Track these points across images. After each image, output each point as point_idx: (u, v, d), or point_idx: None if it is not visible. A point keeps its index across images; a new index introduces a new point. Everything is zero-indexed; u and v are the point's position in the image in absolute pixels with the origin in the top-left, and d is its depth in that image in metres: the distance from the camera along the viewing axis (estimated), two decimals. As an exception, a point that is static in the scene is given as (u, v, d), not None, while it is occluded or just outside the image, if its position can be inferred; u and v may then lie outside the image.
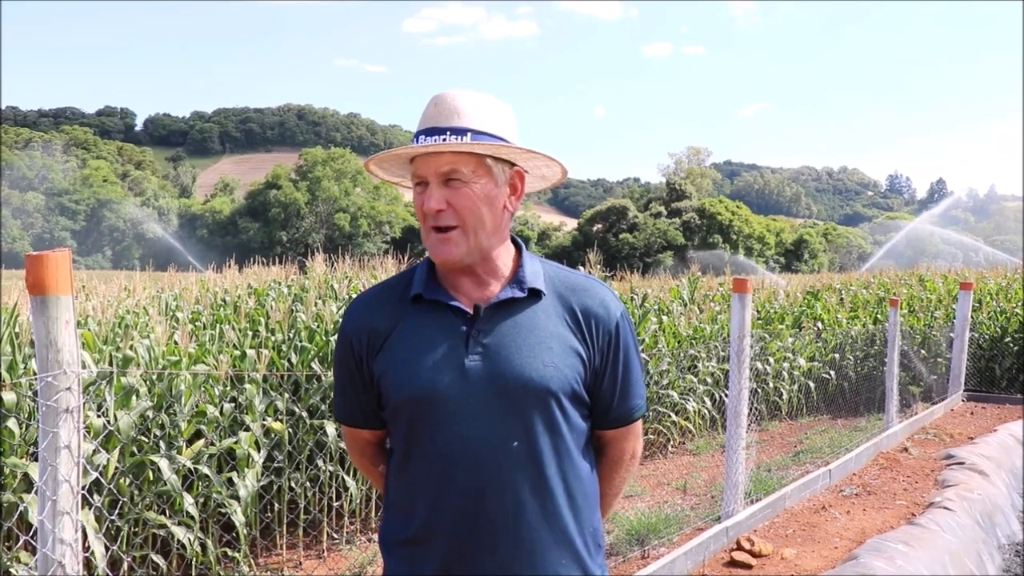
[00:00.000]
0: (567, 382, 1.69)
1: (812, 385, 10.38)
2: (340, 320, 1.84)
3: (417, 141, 1.69)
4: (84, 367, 4.04)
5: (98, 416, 4.22)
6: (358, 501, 5.55)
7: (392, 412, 1.73)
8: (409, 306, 1.74)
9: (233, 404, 4.97)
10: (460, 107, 1.70)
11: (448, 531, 1.66)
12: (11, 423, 3.99)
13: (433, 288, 1.73)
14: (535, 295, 1.73)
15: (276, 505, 5.17)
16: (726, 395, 6.25)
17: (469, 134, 1.68)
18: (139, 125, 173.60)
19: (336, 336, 5.58)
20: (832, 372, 10.71)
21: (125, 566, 4.31)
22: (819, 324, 11.06)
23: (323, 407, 5.34)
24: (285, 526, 5.20)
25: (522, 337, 1.69)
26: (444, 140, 1.66)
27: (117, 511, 4.30)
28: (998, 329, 11.59)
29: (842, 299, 12.62)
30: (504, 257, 1.75)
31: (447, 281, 1.74)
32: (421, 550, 1.69)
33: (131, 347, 4.78)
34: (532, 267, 1.76)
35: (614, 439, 1.85)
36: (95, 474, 3.94)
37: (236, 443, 4.80)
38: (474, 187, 1.68)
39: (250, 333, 5.83)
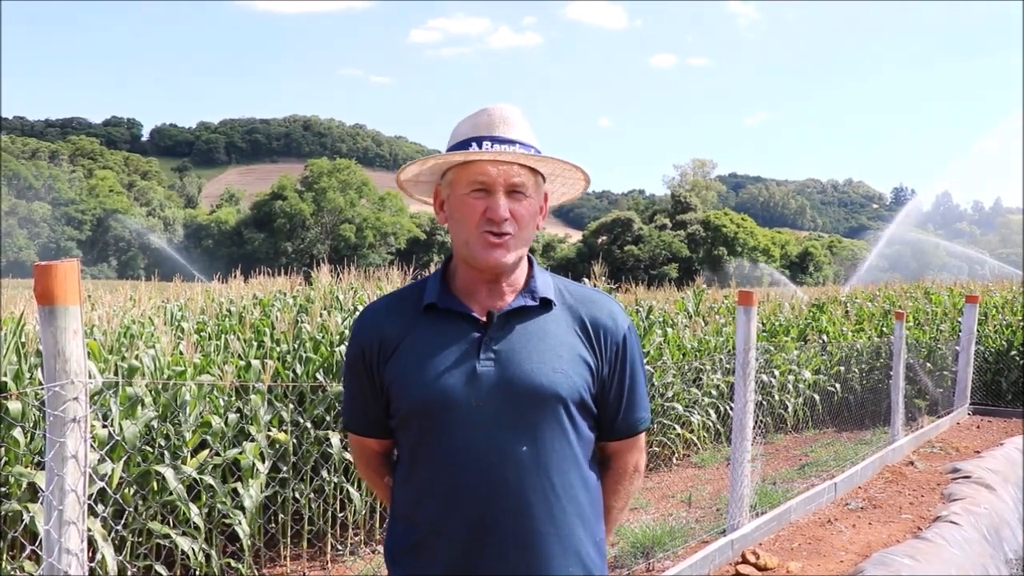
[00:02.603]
0: (576, 389, 1.71)
1: (817, 398, 10.34)
2: (351, 328, 1.87)
3: (479, 147, 1.70)
4: (90, 377, 4.04)
5: (103, 426, 4.22)
6: (362, 512, 5.54)
7: (402, 420, 1.74)
8: (421, 315, 1.76)
9: (238, 415, 4.97)
10: (515, 121, 1.74)
11: (454, 536, 1.67)
12: (17, 432, 4.00)
13: (447, 297, 1.75)
14: (546, 305, 1.76)
15: (280, 516, 5.16)
16: (731, 408, 6.23)
17: (532, 149, 1.73)
18: (145, 135, 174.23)
19: (344, 345, 5.62)
20: (837, 385, 10.66)
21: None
22: (824, 337, 11.04)
23: (328, 418, 5.34)
24: (289, 537, 5.20)
25: (533, 344, 1.72)
26: (515, 151, 1.69)
27: (122, 521, 4.30)
28: (1004, 342, 11.54)
29: (847, 312, 12.59)
30: (520, 269, 1.79)
31: (462, 290, 1.76)
32: (425, 556, 1.69)
33: (136, 357, 4.79)
34: (543, 278, 1.80)
35: (619, 451, 1.87)
36: (100, 484, 3.94)
37: (241, 454, 4.80)
38: (531, 201, 1.73)
39: (255, 344, 5.84)
